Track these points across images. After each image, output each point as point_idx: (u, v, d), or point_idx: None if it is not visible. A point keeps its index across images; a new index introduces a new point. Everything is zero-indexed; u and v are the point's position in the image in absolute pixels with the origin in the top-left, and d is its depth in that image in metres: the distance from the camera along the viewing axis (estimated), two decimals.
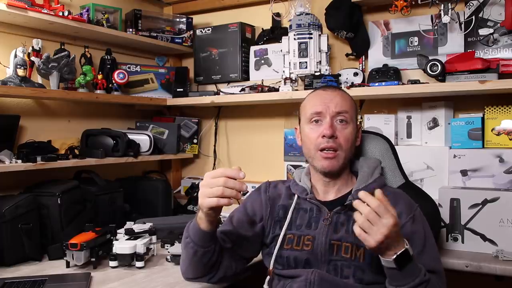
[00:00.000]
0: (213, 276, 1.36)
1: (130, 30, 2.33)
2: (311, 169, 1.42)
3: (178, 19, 2.54)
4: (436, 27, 1.94)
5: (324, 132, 1.30)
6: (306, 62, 2.06)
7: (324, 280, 1.23)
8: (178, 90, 2.47)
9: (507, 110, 1.77)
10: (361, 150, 1.54)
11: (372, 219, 1.06)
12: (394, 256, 1.08)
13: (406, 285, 1.10)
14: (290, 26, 2.11)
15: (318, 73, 2.06)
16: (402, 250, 1.08)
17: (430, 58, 1.86)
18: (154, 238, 1.69)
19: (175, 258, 1.60)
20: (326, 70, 2.07)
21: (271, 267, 1.34)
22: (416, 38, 2.03)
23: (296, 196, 1.39)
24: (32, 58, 1.92)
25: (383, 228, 1.05)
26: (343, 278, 1.24)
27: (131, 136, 2.20)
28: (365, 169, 1.37)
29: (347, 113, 1.33)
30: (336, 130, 1.31)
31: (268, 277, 1.35)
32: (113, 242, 1.59)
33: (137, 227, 1.72)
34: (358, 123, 1.41)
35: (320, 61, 2.08)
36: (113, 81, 2.23)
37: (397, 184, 1.51)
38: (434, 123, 1.94)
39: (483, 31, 1.85)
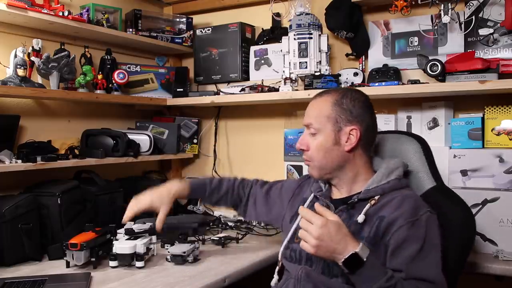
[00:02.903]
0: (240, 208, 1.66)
1: (130, 30, 2.33)
2: None
3: (178, 19, 2.54)
4: (436, 27, 1.94)
5: (295, 146, 1.40)
6: (306, 62, 2.06)
7: (309, 277, 1.26)
8: (178, 90, 2.47)
9: (507, 110, 1.78)
10: (389, 150, 1.49)
11: (305, 227, 1.15)
12: (342, 260, 1.11)
13: None
14: (290, 26, 2.11)
15: (318, 73, 2.06)
16: (350, 253, 1.10)
17: (430, 58, 1.86)
18: (154, 238, 1.69)
19: (175, 258, 1.60)
20: (326, 70, 2.07)
21: (279, 257, 1.42)
22: (416, 38, 2.03)
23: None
24: (32, 58, 1.92)
25: (313, 231, 1.12)
26: (333, 276, 1.25)
27: (131, 136, 2.20)
28: (382, 170, 1.34)
29: (312, 124, 1.34)
30: (308, 142, 1.36)
31: (277, 267, 1.42)
32: (113, 242, 1.59)
33: (137, 227, 1.72)
34: (352, 126, 1.31)
35: (320, 61, 2.08)
36: (113, 81, 2.23)
37: (426, 187, 1.42)
38: (434, 123, 1.94)
39: (483, 31, 1.85)
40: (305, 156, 1.38)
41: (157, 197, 1.55)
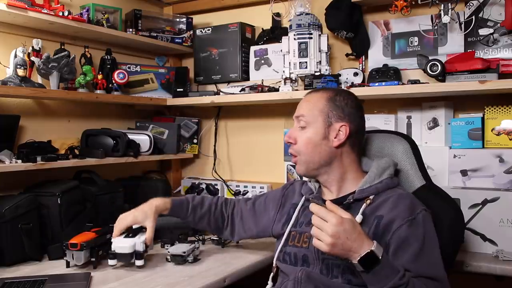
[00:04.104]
0: (226, 230, 1.65)
1: (130, 30, 2.33)
2: None
3: (178, 19, 2.54)
4: (436, 27, 1.94)
5: (284, 139, 1.38)
6: (306, 62, 2.06)
7: (310, 278, 1.25)
8: (178, 90, 2.47)
9: (507, 110, 1.78)
10: (379, 150, 1.49)
11: (319, 225, 1.12)
12: (358, 258, 1.09)
13: None
14: (290, 26, 2.11)
15: (318, 73, 2.06)
16: (366, 251, 1.09)
17: (430, 58, 1.86)
18: None
19: (175, 258, 1.60)
20: (326, 70, 2.07)
21: (274, 263, 1.41)
22: (416, 38, 2.03)
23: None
24: (32, 58, 1.92)
25: (329, 228, 1.09)
26: (333, 277, 1.25)
27: (131, 136, 2.20)
28: (373, 170, 1.35)
29: (304, 117, 1.36)
30: (296, 136, 1.37)
31: (272, 273, 1.40)
32: (112, 240, 1.58)
33: (136, 226, 1.72)
34: (343, 122, 1.32)
35: (320, 61, 2.08)
36: (113, 81, 2.23)
37: (415, 186, 1.43)
38: (434, 123, 1.94)
39: (483, 31, 1.85)
40: (291, 150, 1.38)
41: (140, 213, 1.56)
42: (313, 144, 1.34)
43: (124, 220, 1.57)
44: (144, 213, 1.56)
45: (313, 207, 1.14)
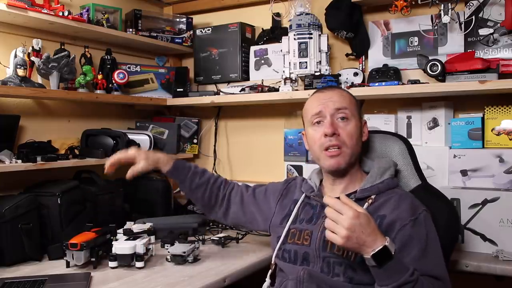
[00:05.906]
0: (219, 210, 1.62)
1: (130, 30, 2.33)
2: (321, 168, 1.44)
3: (178, 19, 2.54)
4: (436, 27, 1.94)
5: (325, 131, 1.31)
6: (306, 62, 2.06)
7: (312, 277, 1.24)
8: (178, 90, 2.47)
9: (507, 110, 1.78)
10: (375, 150, 1.50)
11: (334, 217, 1.11)
12: (372, 253, 1.09)
13: (390, 285, 1.09)
14: (290, 26, 2.11)
15: (318, 73, 2.06)
16: (380, 247, 1.08)
17: (430, 58, 1.86)
18: (152, 238, 1.69)
19: (175, 258, 1.60)
20: (326, 70, 2.07)
21: (273, 260, 1.41)
22: (416, 38, 2.03)
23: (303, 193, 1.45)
24: (32, 58, 1.93)
25: (344, 222, 1.09)
26: (334, 276, 1.25)
27: (131, 136, 2.20)
28: (375, 170, 1.36)
29: (347, 109, 1.34)
30: (337, 127, 1.32)
31: (270, 270, 1.40)
32: (113, 243, 1.59)
33: (137, 227, 1.73)
34: (364, 119, 1.41)
35: (320, 61, 2.08)
36: (113, 81, 2.23)
37: (412, 186, 1.45)
38: (434, 123, 1.94)
39: (483, 31, 1.85)
40: (336, 142, 1.30)
41: (142, 153, 1.55)
42: (356, 137, 1.34)
43: (126, 151, 1.56)
44: (145, 154, 1.55)
45: (328, 199, 1.14)
